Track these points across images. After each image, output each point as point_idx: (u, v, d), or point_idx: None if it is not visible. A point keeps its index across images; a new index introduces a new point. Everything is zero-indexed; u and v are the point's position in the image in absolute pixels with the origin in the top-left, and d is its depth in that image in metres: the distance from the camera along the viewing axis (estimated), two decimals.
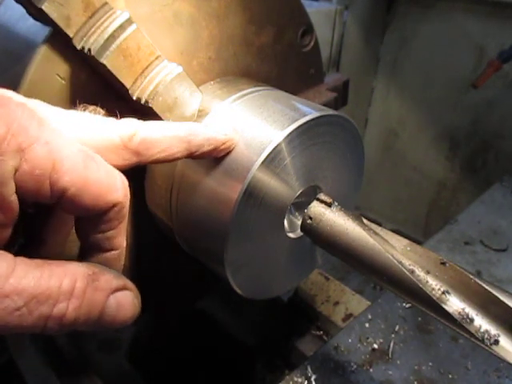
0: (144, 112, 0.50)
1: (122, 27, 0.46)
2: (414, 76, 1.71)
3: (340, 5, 1.52)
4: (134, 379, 1.00)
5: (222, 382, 1.07)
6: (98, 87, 0.51)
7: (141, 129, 0.38)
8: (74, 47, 0.46)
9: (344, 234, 0.48)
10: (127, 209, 0.35)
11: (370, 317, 0.79)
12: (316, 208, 0.51)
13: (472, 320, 0.40)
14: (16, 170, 0.28)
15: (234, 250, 0.49)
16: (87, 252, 0.36)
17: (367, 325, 0.77)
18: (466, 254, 0.96)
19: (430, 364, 0.70)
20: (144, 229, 0.62)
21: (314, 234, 0.51)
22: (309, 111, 0.50)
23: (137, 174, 0.57)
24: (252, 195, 0.47)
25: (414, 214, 1.89)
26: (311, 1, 1.54)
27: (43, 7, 0.43)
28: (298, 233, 0.54)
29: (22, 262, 0.29)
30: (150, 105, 0.49)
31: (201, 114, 0.54)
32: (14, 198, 0.29)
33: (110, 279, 0.33)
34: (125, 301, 0.34)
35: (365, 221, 0.49)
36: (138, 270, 0.63)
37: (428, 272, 0.43)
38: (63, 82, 0.49)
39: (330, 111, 0.51)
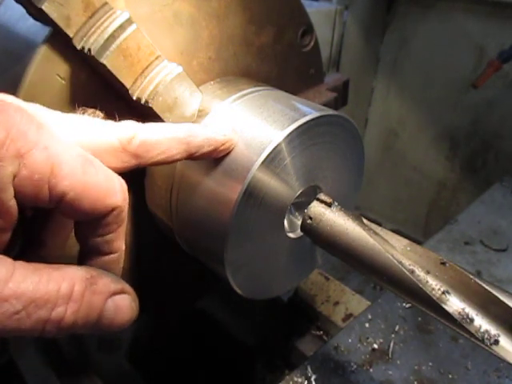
0: (144, 112, 0.50)
1: (121, 27, 0.46)
2: (414, 76, 1.71)
3: (340, 5, 1.52)
4: (134, 379, 1.00)
5: (222, 382, 1.07)
6: (98, 87, 0.51)
7: (140, 131, 0.38)
8: (74, 47, 0.46)
9: (344, 233, 0.48)
10: (126, 212, 0.35)
11: (370, 317, 0.79)
12: (316, 208, 0.51)
13: (472, 320, 0.40)
14: (15, 175, 0.28)
15: (233, 250, 0.49)
16: (86, 255, 0.36)
17: (367, 325, 0.77)
18: (466, 253, 0.96)
19: (430, 364, 0.70)
20: (144, 229, 0.62)
21: (314, 234, 0.51)
22: (309, 111, 0.50)
23: (136, 174, 0.57)
24: (252, 195, 0.47)
25: (414, 214, 1.89)
26: (311, 1, 1.54)
27: (43, 7, 0.43)
28: (298, 233, 0.54)
29: (20, 266, 0.29)
30: (150, 105, 0.49)
31: (201, 114, 0.54)
32: (13, 202, 0.29)
33: (108, 283, 0.33)
34: (123, 304, 0.34)
35: (365, 221, 0.49)
36: (138, 270, 0.63)
37: (428, 272, 0.43)
38: (63, 82, 0.49)
39: (330, 111, 0.51)
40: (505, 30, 1.43)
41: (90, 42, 0.45)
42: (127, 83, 0.48)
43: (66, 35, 0.46)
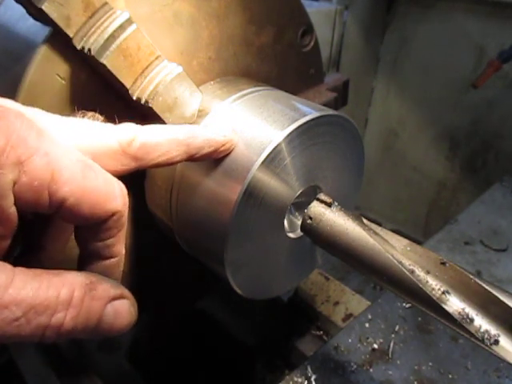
0: (144, 112, 0.50)
1: (121, 27, 0.46)
2: (414, 76, 1.71)
3: (340, 5, 1.52)
4: (134, 379, 1.00)
5: (222, 382, 1.07)
6: (98, 87, 0.51)
7: (139, 134, 0.38)
8: (74, 47, 0.46)
9: (344, 233, 0.48)
10: (126, 217, 0.35)
11: (370, 317, 0.79)
12: (316, 208, 0.51)
13: (472, 320, 0.40)
14: (15, 182, 0.28)
15: (233, 250, 0.49)
16: (86, 259, 0.36)
17: (367, 325, 0.77)
18: (466, 253, 0.96)
19: (430, 364, 0.70)
20: (144, 229, 0.62)
21: (314, 234, 0.51)
22: (309, 111, 0.50)
23: (136, 176, 0.57)
24: (252, 195, 0.47)
25: (414, 214, 1.89)
26: (311, 1, 1.54)
27: (43, 7, 0.43)
28: (298, 233, 0.54)
29: (20, 272, 0.29)
30: (150, 105, 0.49)
31: (201, 114, 0.54)
32: (13, 209, 0.29)
33: (107, 288, 0.33)
34: (122, 309, 0.34)
35: (365, 221, 0.49)
36: (138, 271, 0.63)
37: (428, 272, 0.43)
38: (63, 82, 0.49)
39: (330, 111, 0.51)
40: (505, 29, 1.43)
41: (90, 42, 0.45)
42: (127, 83, 0.48)
43: (66, 35, 0.46)
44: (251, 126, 0.49)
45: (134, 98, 0.49)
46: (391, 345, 0.73)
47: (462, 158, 1.70)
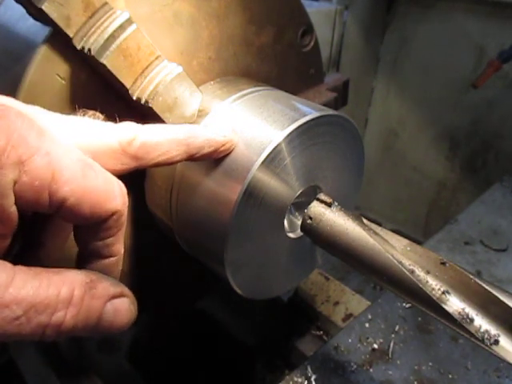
0: (144, 112, 0.50)
1: (121, 27, 0.46)
2: (414, 76, 1.71)
3: (340, 5, 1.52)
4: (134, 379, 1.00)
5: (222, 382, 1.07)
6: (98, 87, 0.51)
7: (140, 133, 0.38)
8: (74, 47, 0.46)
9: (344, 234, 0.48)
10: (125, 216, 0.35)
11: (370, 317, 0.79)
12: (316, 208, 0.51)
13: (472, 320, 0.40)
14: (15, 182, 0.28)
15: (233, 250, 0.49)
16: (86, 258, 0.36)
17: (367, 325, 0.77)
18: (466, 253, 0.96)
19: (430, 364, 0.70)
20: (144, 229, 0.62)
21: (314, 234, 0.51)
22: (309, 111, 0.50)
23: (136, 175, 0.57)
24: (252, 195, 0.47)
25: (414, 214, 1.89)
26: (311, 1, 1.54)
27: (43, 7, 0.43)
28: (298, 233, 0.54)
29: (20, 271, 0.29)
30: (150, 105, 0.49)
31: (201, 114, 0.54)
32: (13, 209, 0.29)
33: (107, 286, 0.33)
34: (122, 307, 0.34)
35: (365, 221, 0.49)
36: (138, 271, 0.63)
37: (428, 272, 0.43)
38: (63, 82, 0.49)
39: (330, 111, 0.51)
40: (505, 29, 1.43)
41: (90, 42, 0.45)
42: (127, 83, 0.48)
43: (66, 35, 0.46)
44: (251, 126, 0.49)
45: (134, 98, 0.49)
46: (391, 345, 0.73)
47: (462, 158, 1.70)
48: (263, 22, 0.66)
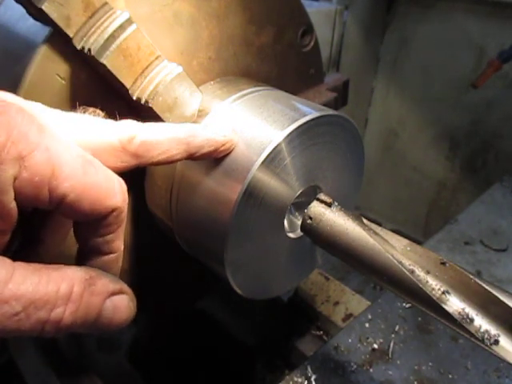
0: (144, 112, 0.50)
1: (121, 27, 0.46)
2: (414, 76, 1.71)
3: (340, 5, 1.52)
4: (134, 379, 1.00)
5: (222, 382, 1.07)
6: (98, 87, 0.51)
7: (140, 131, 0.38)
8: (74, 47, 0.46)
9: (344, 234, 0.48)
10: (125, 213, 0.35)
11: (370, 317, 0.79)
12: (316, 208, 0.51)
13: (472, 320, 0.40)
14: (15, 178, 0.28)
15: (233, 250, 0.49)
16: (85, 255, 0.36)
17: (367, 325, 0.77)
18: (466, 254, 0.96)
19: (430, 364, 0.70)
20: (144, 229, 0.62)
21: (314, 234, 0.51)
22: (309, 111, 0.50)
23: (136, 175, 0.57)
24: (252, 195, 0.47)
25: (414, 214, 1.89)
26: (311, 1, 1.54)
27: (43, 7, 0.43)
28: (298, 233, 0.54)
29: (20, 266, 0.29)
30: (150, 105, 0.49)
31: (201, 114, 0.54)
32: (13, 205, 0.29)
33: (106, 283, 0.34)
34: (121, 304, 0.34)
35: (365, 221, 0.49)
36: (137, 271, 0.63)
37: (428, 272, 0.43)
38: (63, 82, 0.49)
39: (330, 111, 0.51)
40: (505, 29, 1.43)
41: (90, 42, 0.45)
42: (127, 83, 0.48)
43: (66, 35, 0.46)
44: (251, 126, 0.49)
45: (134, 98, 0.49)
46: (391, 345, 0.73)
47: (462, 158, 1.70)
48: (263, 22, 0.66)
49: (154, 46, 0.48)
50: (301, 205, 0.53)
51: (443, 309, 0.41)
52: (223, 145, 0.46)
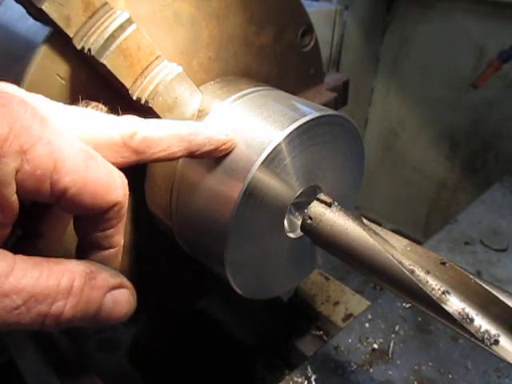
0: (144, 112, 0.50)
1: (121, 27, 0.46)
2: (414, 76, 1.71)
3: (340, 5, 1.52)
4: (134, 379, 1.00)
5: (222, 382, 1.07)
6: (98, 87, 0.51)
7: (142, 127, 0.38)
8: (74, 47, 0.46)
9: (344, 233, 0.48)
10: (126, 208, 0.35)
11: (370, 317, 0.78)
12: (316, 208, 0.51)
13: (472, 320, 0.40)
14: (17, 171, 0.28)
15: (234, 250, 0.49)
16: (85, 249, 0.36)
17: (367, 325, 0.77)
18: (466, 253, 0.96)
19: (430, 364, 0.70)
20: (144, 229, 0.62)
21: (314, 234, 0.51)
22: (309, 111, 0.50)
23: (137, 173, 0.57)
24: (252, 195, 0.47)
25: (414, 214, 1.89)
26: (311, 1, 1.54)
27: (43, 7, 0.43)
28: (298, 233, 0.54)
29: (20, 260, 0.29)
30: (150, 105, 0.49)
31: (201, 114, 0.54)
32: (14, 198, 0.29)
33: (106, 277, 0.34)
34: (121, 298, 0.34)
35: (365, 221, 0.49)
36: (137, 270, 0.63)
37: (428, 272, 0.43)
38: (63, 82, 0.49)
39: (330, 111, 0.51)
40: (505, 29, 1.43)
41: (90, 42, 0.45)
42: (127, 83, 0.48)
43: (66, 35, 0.46)
44: (251, 126, 0.49)
45: (134, 98, 0.49)
46: (391, 345, 0.73)
47: (462, 158, 1.70)
48: (263, 22, 0.66)
49: (153, 46, 0.48)
50: (301, 205, 0.53)
51: (443, 309, 0.41)
52: (224, 144, 0.46)
